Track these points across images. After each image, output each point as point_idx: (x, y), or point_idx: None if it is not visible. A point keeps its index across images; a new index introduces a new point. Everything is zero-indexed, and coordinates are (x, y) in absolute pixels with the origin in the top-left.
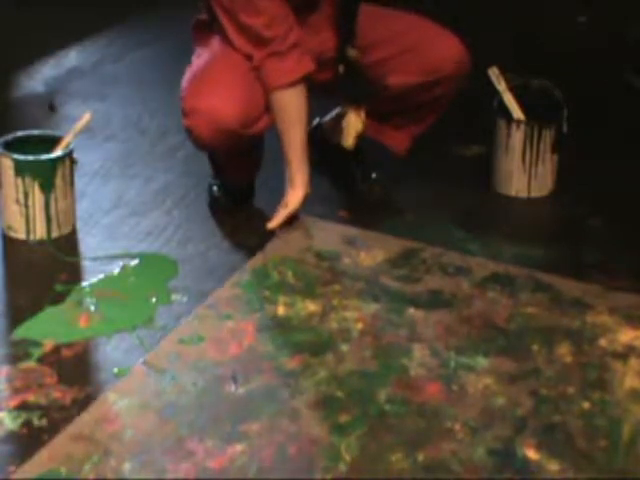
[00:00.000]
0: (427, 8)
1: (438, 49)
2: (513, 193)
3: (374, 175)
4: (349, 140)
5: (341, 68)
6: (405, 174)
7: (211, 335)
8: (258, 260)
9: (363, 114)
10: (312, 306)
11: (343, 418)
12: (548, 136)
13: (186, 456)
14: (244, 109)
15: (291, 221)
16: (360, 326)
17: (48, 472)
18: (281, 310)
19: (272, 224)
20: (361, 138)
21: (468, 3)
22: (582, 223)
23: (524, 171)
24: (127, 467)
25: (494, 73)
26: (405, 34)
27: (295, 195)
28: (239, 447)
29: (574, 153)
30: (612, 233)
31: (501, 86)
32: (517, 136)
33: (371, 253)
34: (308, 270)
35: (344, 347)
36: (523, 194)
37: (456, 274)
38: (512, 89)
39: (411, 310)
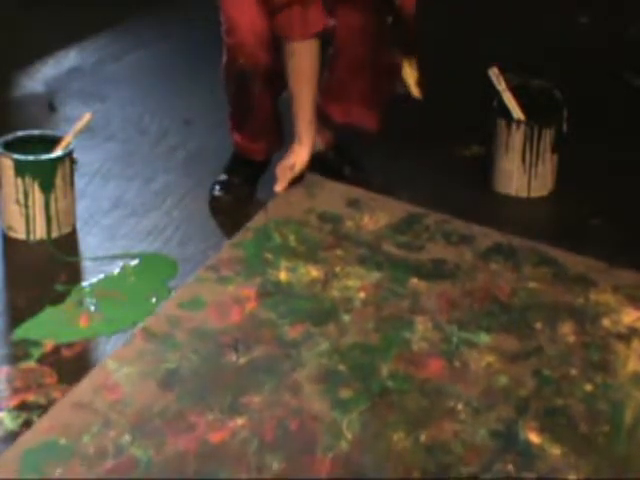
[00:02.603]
0: None
1: None
2: (513, 193)
3: (370, 177)
4: (414, 90)
5: (389, 19)
6: (405, 174)
7: (212, 300)
8: (260, 220)
9: (415, 62)
10: (314, 272)
11: (345, 393)
12: (548, 136)
13: (187, 429)
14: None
15: (296, 180)
16: (362, 295)
17: (47, 442)
18: (283, 275)
19: (280, 186)
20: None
21: (468, 3)
22: (582, 223)
23: (524, 171)
24: (127, 439)
25: (494, 73)
26: None
27: (302, 153)
28: (240, 421)
29: (574, 153)
30: (612, 233)
31: (501, 86)
32: (517, 136)
33: (374, 217)
34: (310, 233)
35: (346, 317)
36: (523, 194)
37: (459, 243)
38: (512, 89)
39: (414, 280)
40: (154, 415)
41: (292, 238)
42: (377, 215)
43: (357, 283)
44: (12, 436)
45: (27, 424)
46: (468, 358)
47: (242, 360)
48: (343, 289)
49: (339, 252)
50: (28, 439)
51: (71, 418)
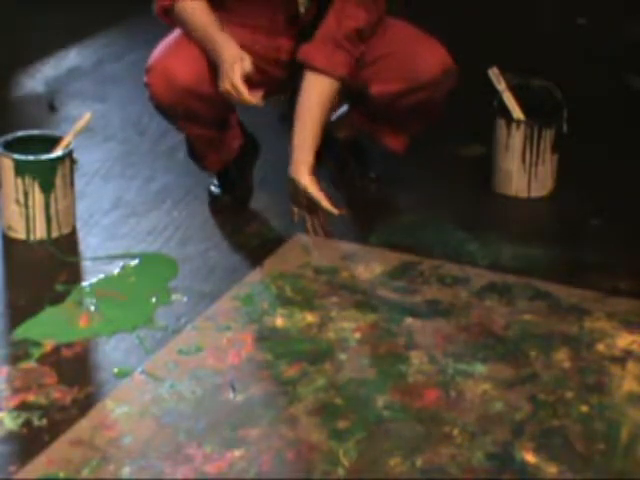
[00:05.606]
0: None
1: (420, 56)
2: (513, 193)
3: (372, 175)
4: None
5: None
6: (405, 174)
7: (210, 345)
8: (256, 275)
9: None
10: (310, 317)
11: (341, 424)
12: (548, 136)
13: (185, 461)
14: (197, 69)
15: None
16: (358, 335)
17: (47, 476)
18: (279, 321)
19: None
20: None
21: (468, 3)
22: (582, 223)
23: (524, 171)
24: (126, 471)
25: (494, 73)
26: (387, 39)
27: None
28: (238, 452)
29: (574, 153)
30: (612, 233)
31: (501, 86)
32: (517, 136)
33: (369, 267)
34: (306, 284)
35: (342, 356)
36: (523, 194)
37: (454, 284)
38: (512, 89)
39: (409, 320)
40: (152, 449)
41: (288, 289)
42: (372, 265)
43: (353, 325)
44: (12, 436)
45: (27, 424)
46: (464, 387)
47: (239, 398)
48: (339, 330)
49: (335, 299)
50: (27, 473)
51: (70, 454)
